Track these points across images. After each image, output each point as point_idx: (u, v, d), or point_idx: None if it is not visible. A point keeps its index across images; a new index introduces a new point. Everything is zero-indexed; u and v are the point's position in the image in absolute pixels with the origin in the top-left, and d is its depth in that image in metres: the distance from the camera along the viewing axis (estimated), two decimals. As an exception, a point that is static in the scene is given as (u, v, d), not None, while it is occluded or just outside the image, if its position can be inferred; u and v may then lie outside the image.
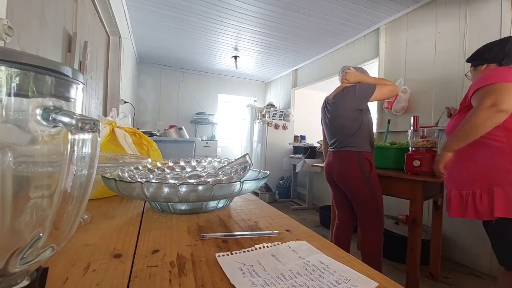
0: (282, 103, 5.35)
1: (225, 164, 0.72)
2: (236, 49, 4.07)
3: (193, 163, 0.76)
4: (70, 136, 0.19)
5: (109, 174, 0.56)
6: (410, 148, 1.60)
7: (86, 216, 0.50)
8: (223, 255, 0.36)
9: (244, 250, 0.38)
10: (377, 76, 3.06)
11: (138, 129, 0.96)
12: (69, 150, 0.19)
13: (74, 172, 0.20)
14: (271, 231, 0.45)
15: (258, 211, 0.59)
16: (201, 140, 4.87)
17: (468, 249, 2.12)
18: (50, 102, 0.20)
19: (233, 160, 0.71)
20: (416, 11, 2.66)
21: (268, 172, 0.66)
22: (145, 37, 3.70)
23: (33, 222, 0.20)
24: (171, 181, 0.53)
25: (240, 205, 0.64)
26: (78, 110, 0.23)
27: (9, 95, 0.18)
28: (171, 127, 2.10)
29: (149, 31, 3.49)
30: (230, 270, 0.32)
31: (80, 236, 0.42)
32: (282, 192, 4.41)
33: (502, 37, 1.38)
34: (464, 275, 1.98)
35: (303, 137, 4.82)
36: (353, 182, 1.52)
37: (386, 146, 1.82)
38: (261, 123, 4.63)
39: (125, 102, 2.80)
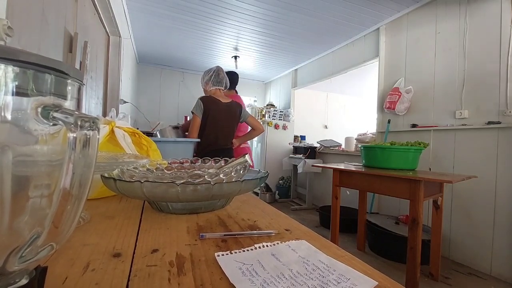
0: (282, 103, 5.35)
1: (225, 163, 0.72)
2: (236, 49, 4.07)
3: (193, 163, 0.76)
4: (69, 134, 0.19)
5: (107, 174, 0.56)
6: None
7: (85, 216, 0.50)
8: (223, 255, 0.36)
9: (243, 249, 0.38)
10: (377, 76, 3.06)
11: (137, 129, 0.96)
12: (68, 149, 0.19)
13: (73, 171, 0.20)
14: (270, 231, 0.45)
15: (257, 211, 0.59)
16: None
17: (468, 249, 2.12)
18: (49, 100, 0.20)
19: (233, 159, 0.71)
20: (416, 11, 2.66)
21: (268, 172, 0.66)
22: (145, 37, 3.70)
23: (32, 220, 0.20)
24: (171, 180, 0.53)
25: (240, 204, 0.64)
26: (78, 109, 0.23)
27: (8, 94, 0.18)
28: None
29: (149, 31, 3.49)
30: (230, 270, 0.32)
31: (79, 235, 0.41)
32: (282, 192, 4.41)
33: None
34: (464, 275, 1.98)
35: (303, 137, 4.82)
36: None
37: (386, 146, 1.82)
38: (261, 123, 4.63)
39: (125, 102, 2.80)
